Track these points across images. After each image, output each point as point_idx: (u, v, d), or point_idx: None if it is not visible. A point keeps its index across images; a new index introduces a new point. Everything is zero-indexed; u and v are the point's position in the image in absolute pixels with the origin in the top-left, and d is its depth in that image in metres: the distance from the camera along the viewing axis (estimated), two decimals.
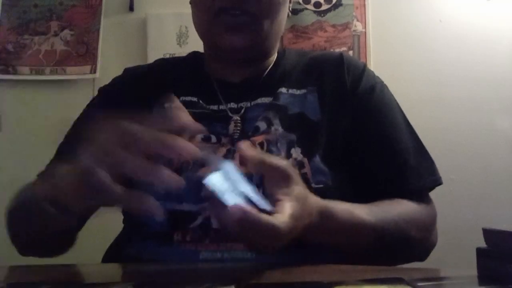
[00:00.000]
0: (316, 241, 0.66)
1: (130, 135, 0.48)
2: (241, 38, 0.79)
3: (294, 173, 0.59)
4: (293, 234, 0.55)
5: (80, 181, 0.50)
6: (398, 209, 0.74)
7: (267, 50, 0.86)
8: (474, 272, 0.49)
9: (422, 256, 0.79)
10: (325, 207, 0.64)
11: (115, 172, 0.48)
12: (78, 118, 0.90)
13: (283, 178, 0.57)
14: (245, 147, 0.57)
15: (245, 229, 0.49)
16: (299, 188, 0.58)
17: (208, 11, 0.79)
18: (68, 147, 0.86)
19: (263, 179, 0.57)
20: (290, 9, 0.89)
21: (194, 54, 0.94)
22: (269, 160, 0.57)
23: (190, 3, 0.87)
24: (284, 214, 0.52)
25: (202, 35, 0.86)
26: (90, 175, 0.48)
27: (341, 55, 0.87)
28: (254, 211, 0.49)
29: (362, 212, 0.69)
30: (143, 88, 0.87)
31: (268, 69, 0.87)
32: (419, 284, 0.47)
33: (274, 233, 0.50)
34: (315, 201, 0.62)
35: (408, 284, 0.46)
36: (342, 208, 0.67)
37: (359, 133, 0.80)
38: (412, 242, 0.74)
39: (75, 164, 0.51)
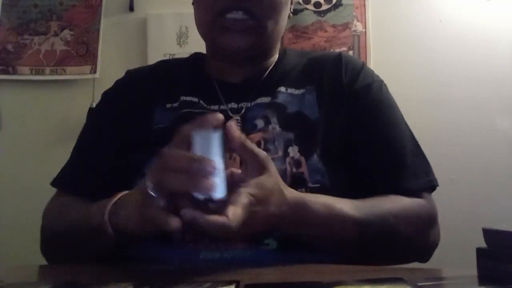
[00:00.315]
0: (292, 233, 0.67)
1: (167, 159, 0.56)
2: (243, 39, 0.79)
3: (270, 165, 0.61)
4: (252, 224, 0.57)
5: (141, 209, 0.60)
6: (387, 204, 0.73)
7: (268, 50, 0.86)
8: (474, 272, 0.49)
9: (422, 255, 0.78)
10: (301, 199, 0.65)
11: (165, 190, 0.56)
12: (85, 125, 0.91)
13: (258, 167, 0.59)
14: (234, 126, 0.59)
15: (197, 227, 0.53)
16: (268, 179, 0.60)
17: (210, 11, 0.79)
18: (81, 158, 0.88)
19: (241, 164, 0.60)
20: (292, 10, 0.89)
21: (196, 55, 0.95)
22: (250, 145, 0.59)
23: (193, 3, 0.88)
24: (235, 205, 0.54)
25: (204, 35, 0.86)
26: (148, 204, 0.57)
27: (339, 55, 0.87)
28: (199, 214, 0.53)
29: (344, 206, 0.69)
30: (145, 89, 0.88)
31: (268, 70, 0.87)
32: (419, 284, 0.47)
33: (221, 229, 0.53)
34: (290, 193, 0.64)
35: (408, 284, 0.46)
36: (321, 201, 0.67)
37: (355, 131, 0.80)
38: (403, 238, 0.73)
39: (137, 194, 0.61)
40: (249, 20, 0.78)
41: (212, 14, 0.79)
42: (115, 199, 0.67)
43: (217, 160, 0.55)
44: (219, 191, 0.54)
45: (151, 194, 0.57)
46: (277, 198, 0.61)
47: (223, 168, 0.55)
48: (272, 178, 0.61)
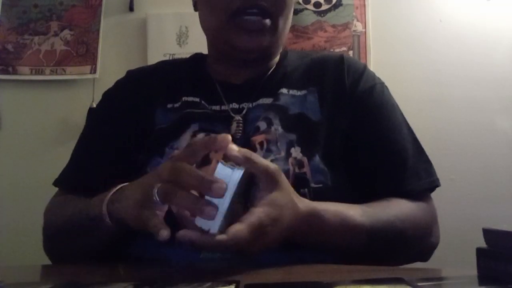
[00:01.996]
0: (306, 244, 0.67)
1: (180, 173, 0.57)
2: (259, 39, 0.79)
3: (281, 178, 0.60)
4: (265, 241, 0.58)
5: (140, 208, 0.61)
6: (394, 209, 0.74)
7: (277, 50, 0.87)
8: (474, 272, 0.49)
9: (424, 256, 0.79)
10: (313, 209, 0.65)
11: (169, 203, 0.58)
12: (86, 125, 0.91)
13: (268, 181, 0.59)
14: (231, 145, 0.58)
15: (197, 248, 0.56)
16: (281, 194, 0.59)
17: (224, 11, 0.79)
18: (81, 158, 0.88)
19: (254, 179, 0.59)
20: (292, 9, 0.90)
21: (196, 55, 0.94)
22: (257, 159, 0.58)
23: (194, 5, 0.87)
24: (242, 224, 0.55)
25: (215, 36, 0.85)
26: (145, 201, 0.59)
27: (341, 57, 0.87)
28: (195, 235, 0.54)
29: (355, 214, 0.69)
30: (146, 89, 0.88)
31: (270, 71, 0.87)
32: (419, 284, 0.47)
33: (218, 248, 0.55)
34: (303, 204, 0.63)
35: (408, 284, 0.46)
36: (334, 210, 0.67)
37: (358, 133, 0.80)
38: (410, 242, 0.74)
39: (139, 192, 0.62)
40: (263, 19, 0.78)
41: (226, 14, 0.78)
42: (115, 189, 0.68)
43: (225, 198, 0.55)
44: (214, 226, 0.54)
45: (154, 199, 0.58)
46: (289, 212, 0.60)
47: (228, 207, 0.55)
48: (284, 193, 0.60)
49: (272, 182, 0.59)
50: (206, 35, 0.87)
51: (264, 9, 0.77)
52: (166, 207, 0.59)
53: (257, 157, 0.59)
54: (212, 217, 0.54)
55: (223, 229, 0.55)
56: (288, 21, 0.83)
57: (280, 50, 0.89)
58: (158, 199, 0.57)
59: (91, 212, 0.69)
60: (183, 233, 0.55)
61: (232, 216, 0.56)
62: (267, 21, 0.78)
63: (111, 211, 0.66)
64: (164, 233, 0.55)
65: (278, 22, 0.80)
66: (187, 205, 0.56)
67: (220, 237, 0.54)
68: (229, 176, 0.56)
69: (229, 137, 0.58)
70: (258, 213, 0.56)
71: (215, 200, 0.55)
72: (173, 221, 0.70)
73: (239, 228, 0.54)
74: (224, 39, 0.82)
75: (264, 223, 0.56)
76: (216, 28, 0.82)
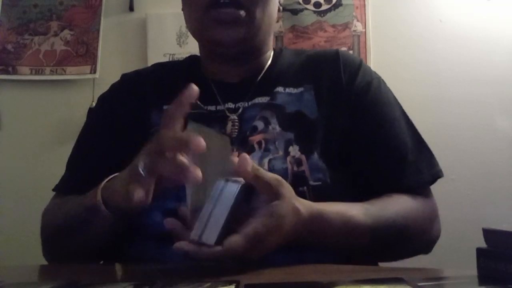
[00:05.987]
0: (310, 245, 0.67)
1: (160, 140, 0.58)
2: (235, 31, 0.79)
3: (283, 189, 0.60)
4: (264, 250, 0.59)
5: (127, 183, 0.61)
6: (395, 206, 0.74)
7: (260, 44, 0.86)
8: (474, 272, 0.49)
9: (425, 250, 0.80)
10: (316, 211, 0.65)
11: (154, 172, 0.59)
12: (82, 130, 0.91)
13: (270, 194, 0.59)
14: (247, 160, 0.59)
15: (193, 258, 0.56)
16: (281, 204, 0.59)
17: (199, 5, 0.80)
18: (79, 163, 0.88)
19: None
20: (280, 2, 0.90)
21: (191, 57, 0.95)
22: (261, 174, 0.59)
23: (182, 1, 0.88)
24: (238, 235, 0.56)
25: (194, 32, 0.86)
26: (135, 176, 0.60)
27: (337, 52, 0.87)
28: (190, 247, 0.55)
29: (358, 213, 0.69)
30: (141, 92, 0.88)
31: (265, 69, 0.87)
32: (419, 284, 0.47)
33: (213, 259, 0.56)
34: (305, 208, 0.63)
35: (408, 284, 0.46)
36: (336, 210, 0.67)
37: (356, 129, 0.80)
38: (411, 238, 0.75)
39: (128, 170, 0.63)
40: (238, 12, 0.78)
41: (200, 8, 0.79)
42: (108, 178, 0.69)
43: (223, 211, 0.56)
44: (211, 238, 0.55)
45: (140, 173, 0.59)
46: (291, 220, 0.60)
47: (225, 219, 0.55)
48: (286, 202, 0.60)
49: (273, 194, 0.59)
50: (191, 33, 0.88)
51: (238, 1, 0.78)
52: (152, 184, 0.61)
53: (262, 172, 0.60)
54: (196, 180, 0.55)
55: (220, 241, 0.55)
56: (267, 12, 0.82)
57: (270, 47, 0.89)
58: (144, 172, 0.59)
59: (88, 202, 0.69)
60: (178, 245, 0.56)
61: (230, 228, 0.56)
62: (242, 12, 0.78)
63: (105, 197, 0.66)
64: (137, 195, 0.58)
65: (255, 13, 0.80)
66: (170, 170, 0.56)
67: (216, 249, 0.55)
68: (227, 189, 0.56)
69: (195, 88, 0.60)
70: (254, 223, 0.57)
71: (214, 214, 0.55)
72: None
73: (235, 240, 0.55)
74: (203, 34, 0.83)
75: (260, 233, 0.57)
76: (194, 23, 0.84)
